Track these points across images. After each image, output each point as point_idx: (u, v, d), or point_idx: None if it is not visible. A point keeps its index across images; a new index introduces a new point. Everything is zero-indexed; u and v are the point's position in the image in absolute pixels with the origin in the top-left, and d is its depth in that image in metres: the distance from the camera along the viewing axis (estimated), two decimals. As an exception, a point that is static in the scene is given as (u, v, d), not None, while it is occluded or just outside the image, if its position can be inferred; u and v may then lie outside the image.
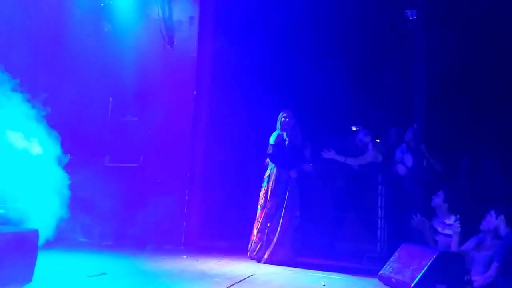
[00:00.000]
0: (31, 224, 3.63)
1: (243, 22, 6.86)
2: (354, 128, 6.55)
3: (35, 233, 3.53)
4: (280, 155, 5.45)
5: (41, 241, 3.64)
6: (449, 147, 6.07)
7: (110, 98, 6.59)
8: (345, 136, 6.66)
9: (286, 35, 7.04)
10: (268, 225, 5.33)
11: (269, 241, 5.29)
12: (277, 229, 5.29)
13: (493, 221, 4.48)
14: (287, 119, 5.52)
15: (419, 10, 5.85)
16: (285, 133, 5.52)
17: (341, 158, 6.08)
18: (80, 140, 6.21)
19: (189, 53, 6.51)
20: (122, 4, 6.50)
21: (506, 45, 5.90)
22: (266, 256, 5.27)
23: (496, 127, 5.83)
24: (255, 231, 5.44)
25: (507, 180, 5.57)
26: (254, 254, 5.38)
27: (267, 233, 5.32)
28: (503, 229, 4.40)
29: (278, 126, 5.58)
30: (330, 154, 6.09)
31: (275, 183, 5.40)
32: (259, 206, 5.50)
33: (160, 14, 6.35)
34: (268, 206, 5.39)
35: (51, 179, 3.81)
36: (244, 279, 4.37)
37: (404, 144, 6.11)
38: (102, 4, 6.53)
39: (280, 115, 5.60)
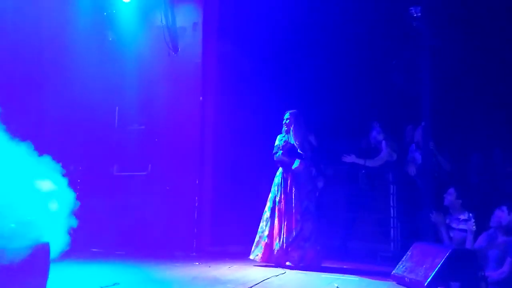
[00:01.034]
0: (42, 237, 3.62)
1: (247, 26, 6.85)
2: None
3: (46, 246, 3.52)
4: (282, 156, 5.38)
5: (53, 253, 3.64)
6: (459, 144, 6.01)
7: (116, 107, 6.62)
8: (356, 135, 6.62)
9: (290, 37, 7.02)
10: (265, 228, 5.29)
11: (263, 244, 5.25)
12: (269, 233, 5.24)
13: (505, 216, 4.43)
14: (287, 121, 5.47)
15: (423, 6, 5.80)
16: (282, 135, 5.46)
17: (361, 161, 6.05)
18: (88, 150, 6.24)
19: (194, 59, 6.52)
20: (125, 13, 6.53)
21: (513, 38, 5.83)
22: (256, 256, 5.24)
23: (507, 123, 5.76)
24: (264, 237, 5.34)
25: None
26: (259, 258, 5.30)
27: (262, 236, 5.29)
28: None
29: (286, 127, 5.49)
30: (350, 158, 6.07)
31: (277, 186, 5.35)
32: (267, 210, 5.43)
33: (164, 21, 6.37)
34: (266, 209, 5.37)
35: (59, 191, 3.81)
36: (257, 283, 4.33)
37: (414, 143, 6.06)
38: (105, 14, 6.55)
39: (288, 115, 5.53)
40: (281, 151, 5.38)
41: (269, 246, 5.25)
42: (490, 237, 4.56)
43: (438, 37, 5.71)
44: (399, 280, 4.44)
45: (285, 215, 5.23)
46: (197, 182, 6.31)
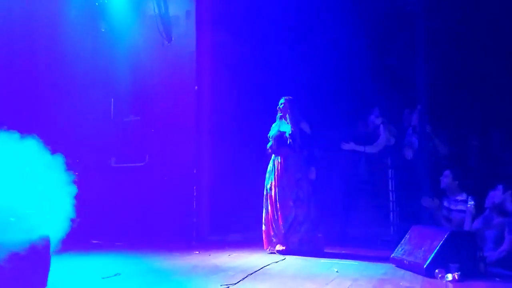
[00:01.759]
0: (42, 231, 3.62)
1: (241, 13, 6.79)
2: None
3: (46, 239, 3.53)
4: (273, 145, 5.40)
5: (53, 246, 3.64)
6: (457, 127, 6.02)
7: (112, 99, 6.58)
8: (354, 121, 6.62)
9: (285, 23, 6.96)
10: (271, 216, 5.32)
11: (277, 233, 5.28)
12: (278, 220, 5.28)
13: (499, 195, 4.46)
14: (281, 106, 5.46)
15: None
16: (275, 123, 5.46)
17: (360, 148, 6.08)
18: (85, 142, 6.21)
19: (188, 48, 6.46)
20: (117, 3, 6.45)
21: (508, 20, 5.80)
22: (278, 247, 5.26)
23: (506, 105, 5.76)
24: (262, 225, 5.41)
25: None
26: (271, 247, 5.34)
27: (274, 226, 5.31)
28: (510, 204, 4.37)
29: (281, 113, 5.47)
30: (349, 146, 6.07)
31: (269, 174, 5.40)
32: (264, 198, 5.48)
33: (156, 10, 6.30)
34: (268, 197, 5.39)
35: (58, 184, 3.80)
36: (257, 270, 4.36)
37: (411, 127, 6.07)
38: (97, 4, 6.47)
39: (282, 101, 5.51)
40: (271, 142, 5.39)
41: (267, 233, 5.34)
42: (485, 218, 4.59)
43: (433, 19, 5.69)
44: (398, 263, 4.47)
45: (279, 202, 5.28)
46: (194, 171, 6.31)
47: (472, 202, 4.82)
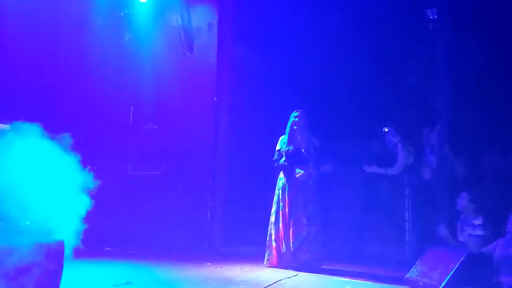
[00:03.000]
0: (56, 235, 3.66)
1: (262, 26, 6.84)
2: (385, 129, 6.42)
3: (61, 244, 3.55)
4: (289, 160, 5.34)
5: (66, 251, 3.67)
6: (475, 147, 5.92)
7: (131, 107, 6.66)
8: (371, 137, 6.56)
9: (305, 38, 6.99)
10: (272, 232, 5.27)
11: (272, 248, 5.24)
12: (276, 236, 5.23)
13: None
14: (295, 119, 5.40)
15: (439, 8, 5.73)
16: (284, 137, 5.42)
17: (382, 171, 6.02)
18: (103, 149, 6.28)
19: (209, 59, 6.54)
20: (141, 13, 6.57)
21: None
22: (269, 261, 5.22)
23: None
24: (272, 242, 5.30)
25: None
26: (270, 263, 5.27)
27: (270, 240, 5.26)
28: None
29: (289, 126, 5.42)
30: (371, 168, 6.05)
31: (281, 190, 5.32)
32: (272, 214, 5.39)
33: (179, 22, 6.40)
34: (271, 212, 5.33)
35: (74, 189, 3.84)
36: (269, 285, 4.32)
37: (429, 146, 6.00)
38: (122, 14, 6.60)
39: (292, 115, 5.47)
40: (284, 157, 5.34)
41: (278, 250, 5.26)
42: (506, 242, 4.47)
43: (455, 39, 5.64)
44: (413, 284, 4.39)
45: (291, 219, 5.21)
46: (210, 182, 6.33)
47: (484, 225, 4.72)
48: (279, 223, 5.28)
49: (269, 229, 5.33)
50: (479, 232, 4.87)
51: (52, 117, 5.60)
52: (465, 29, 6.06)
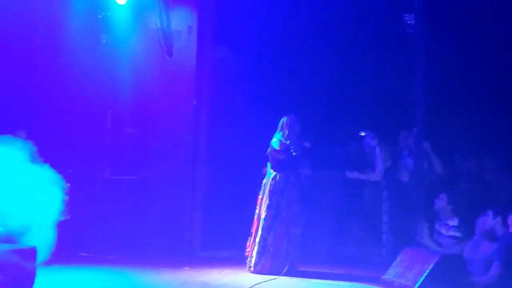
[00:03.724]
0: (29, 241, 3.60)
1: (242, 30, 6.86)
2: (362, 134, 6.49)
3: (33, 250, 3.50)
4: (285, 161, 5.27)
5: (40, 257, 3.61)
6: (451, 150, 6.03)
7: (109, 111, 6.58)
8: (348, 141, 6.62)
9: (285, 42, 7.03)
10: (267, 237, 5.14)
11: (267, 254, 5.10)
12: (274, 241, 5.11)
13: (489, 221, 4.45)
14: (293, 124, 5.37)
15: (417, 14, 5.83)
16: (284, 139, 5.34)
17: (364, 177, 6.06)
18: (80, 153, 6.20)
19: (188, 63, 6.50)
20: (119, 15, 6.50)
21: (506, 46, 5.86)
22: (262, 267, 5.09)
23: (499, 129, 5.78)
24: (252, 243, 5.20)
25: (510, 182, 5.52)
26: (252, 267, 5.15)
27: (265, 245, 5.12)
28: (499, 229, 4.35)
29: (285, 131, 5.36)
30: (353, 175, 6.08)
31: (271, 193, 5.20)
32: (255, 216, 5.32)
33: (158, 24, 6.35)
34: (263, 217, 5.19)
35: (49, 195, 3.78)
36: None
37: (406, 148, 6.08)
38: (99, 16, 6.54)
39: (285, 119, 5.42)
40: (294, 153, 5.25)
41: (275, 255, 5.10)
42: (476, 242, 4.56)
43: (432, 43, 5.74)
44: (389, 285, 4.45)
45: (290, 222, 5.14)
46: (189, 186, 6.28)
47: (459, 227, 4.81)
48: (279, 227, 5.13)
49: (260, 234, 5.14)
50: (454, 233, 4.94)
51: (25, 120, 5.53)
52: (442, 33, 6.18)
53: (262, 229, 5.16)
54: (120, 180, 6.43)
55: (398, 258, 4.58)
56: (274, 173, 5.30)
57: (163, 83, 6.45)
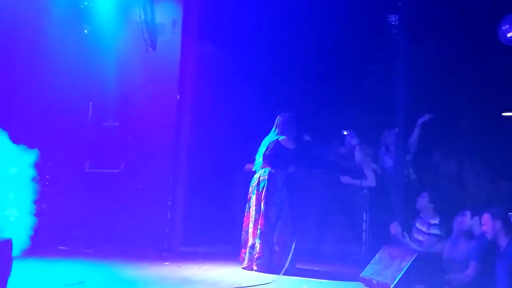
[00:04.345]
0: (5, 234, 3.52)
1: (228, 24, 6.82)
2: (344, 133, 6.52)
3: (8, 242, 3.42)
4: (291, 158, 5.26)
5: (16, 250, 3.54)
6: (431, 150, 6.12)
7: (90, 103, 6.50)
8: (330, 140, 6.66)
9: (270, 39, 7.03)
10: (272, 235, 5.06)
11: (273, 252, 5.04)
12: (279, 240, 5.06)
13: (467, 221, 4.53)
14: (289, 122, 5.34)
15: (401, 15, 5.89)
16: (281, 136, 5.28)
17: (357, 182, 6.05)
18: (59, 145, 6.10)
19: (172, 57, 6.44)
20: (102, 6, 6.40)
21: (487, 48, 5.97)
22: (266, 266, 5.02)
23: (479, 131, 5.89)
24: (256, 242, 5.06)
25: (488, 183, 5.63)
26: (255, 265, 5.04)
27: (271, 244, 5.04)
28: (477, 229, 4.44)
29: (287, 129, 5.30)
30: (346, 179, 6.09)
31: (272, 190, 5.12)
32: (252, 214, 5.16)
33: (142, 17, 6.26)
34: (265, 215, 5.08)
35: (25, 187, 3.70)
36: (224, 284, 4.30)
37: (384, 146, 6.16)
38: (81, 6, 6.42)
39: (284, 117, 5.39)
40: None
41: (280, 254, 5.04)
42: (454, 241, 4.65)
43: (414, 44, 5.81)
44: (367, 282, 4.49)
45: (292, 220, 5.14)
46: (170, 181, 6.24)
47: (440, 225, 4.89)
48: (287, 224, 5.08)
49: (263, 232, 5.02)
50: (434, 231, 5.02)
51: (3, 110, 5.41)
52: (425, 35, 6.26)
53: (266, 227, 5.06)
54: (100, 173, 6.35)
55: (377, 256, 4.63)
56: (269, 169, 5.21)
57: (147, 76, 6.39)
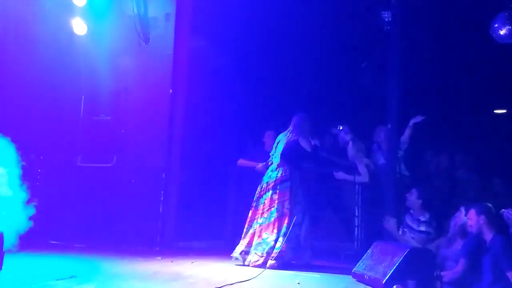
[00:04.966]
0: (-4, 227, 3.51)
1: (220, 19, 6.79)
2: (340, 127, 6.53)
3: None
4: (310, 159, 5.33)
5: (7, 244, 3.52)
6: (424, 147, 6.16)
7: (83, 96, 6.45)
8: (322, 137, 6.67)
9: (263, 34, 7.02)
10: (299, 233, 5.13)
11: (299, 249, 5.13)
12: (305, 237, 5.14)
13: (462, 217, 4.56)
14: (305, 122, 5.35)
15: (394, 11, 5.90)
16: (301, 137, 5.27)
17: (350, 178, 6.07)
18: (51, 139, 6.06)
19: (165, 51, 6.42)
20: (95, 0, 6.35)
21: (480, 45, 6.00)
22: (285, 262, 5.05)
23: (471, 128, 5.93)
24: (280, 239, 5.04)
25: (481, 180, 5.68)
26: (275, 262, 5.01)
27: (298, 241, 5.10)
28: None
29: (302, 129, 5.30)
30: (340, 175, 6.11)
31: (296, 189, 5.17)
32: (271, 211, 5.14)
33: (135, 11, 6.23)
34: (289, 213, 5.09)
35: (16, 181, 3.68)
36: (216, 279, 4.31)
37: (376, 143, 6.19)
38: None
39: (300, 118, 5.39)
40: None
41: (303, 249, 5.14)
42: (450, 239, 4.68)
43: (407, 41, 5.82)
44: (359, 277, 4.50)
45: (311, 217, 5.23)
46: (163, 175, 6.23)
47: (432, 221, 4.92)
48: (307, 223, 5.14)
49: (292, 230, 5.02)
50: (424, 228, 5.05)
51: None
52: (417, 31, 6.28)
53: (293, 225, 5.07)
54: (92, 168, 6.32)
55: (369, 251, 4.64)
56: (290, 168, 5.21)
57: (139, 70, 6.36)
